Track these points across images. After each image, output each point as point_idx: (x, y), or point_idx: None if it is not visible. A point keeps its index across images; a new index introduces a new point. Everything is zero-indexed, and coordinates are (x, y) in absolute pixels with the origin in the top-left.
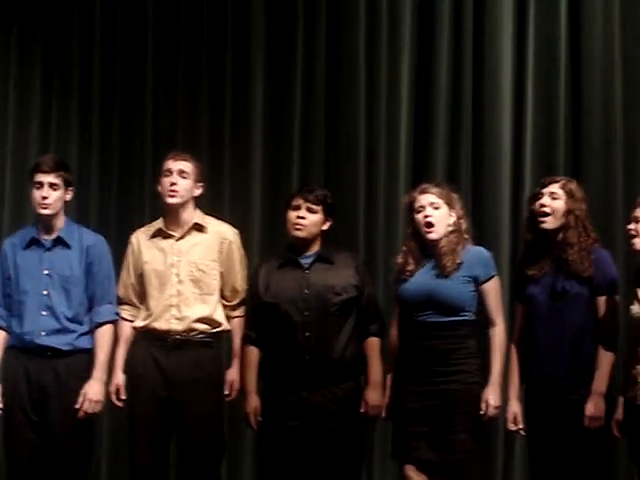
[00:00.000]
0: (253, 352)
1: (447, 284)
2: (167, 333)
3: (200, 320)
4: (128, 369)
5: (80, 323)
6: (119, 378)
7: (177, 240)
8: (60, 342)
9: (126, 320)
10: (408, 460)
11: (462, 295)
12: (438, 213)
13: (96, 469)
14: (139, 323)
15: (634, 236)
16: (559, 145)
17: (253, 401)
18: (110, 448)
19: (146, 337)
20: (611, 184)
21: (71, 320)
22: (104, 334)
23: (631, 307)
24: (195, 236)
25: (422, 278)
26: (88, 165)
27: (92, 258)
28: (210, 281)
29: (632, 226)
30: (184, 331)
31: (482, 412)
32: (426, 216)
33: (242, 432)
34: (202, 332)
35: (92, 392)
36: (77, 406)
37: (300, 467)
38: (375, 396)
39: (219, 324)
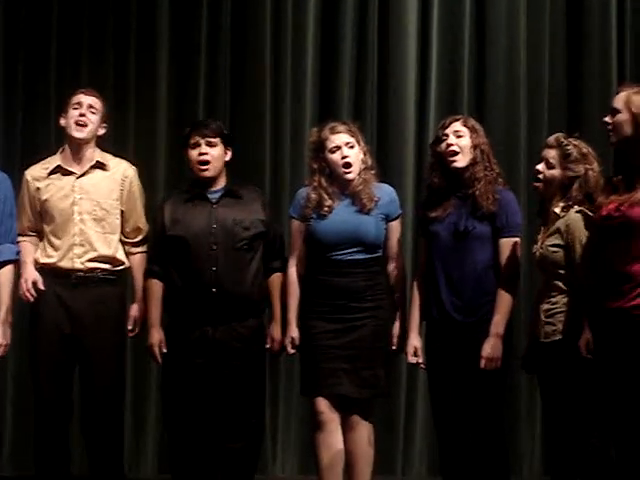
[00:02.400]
0: (157, 285)
1: (370, 221)
2: (70, 271)
3: (103, 259)
4: (30, 305)
5: None
6: (35, 273)
7: (78, 177)
8: None
9: (29, 243)
10: (324, 395)
11: (380, 232)
12: (353, 152)
13: (1, 411)
14: (41, 259)
15: (539, 180)
16: (463, 86)
17: (157, 334)
18: (15, 389)
19: (48, 274)
20: (514, 128)
21: None
22: (5, 274)
23: (533, 247)
24: (97, 174)
25: (343, 216)
26: None
27: None
28: (113, 220)
29: (540, 167)
30: (87, 270)
31: (394, 348)
32: (344, 156)
33: (147, 367)
34: (104, 270)
35: None
36: None
37: (204, 403)
38: (279, 332)
39: (121, 262)
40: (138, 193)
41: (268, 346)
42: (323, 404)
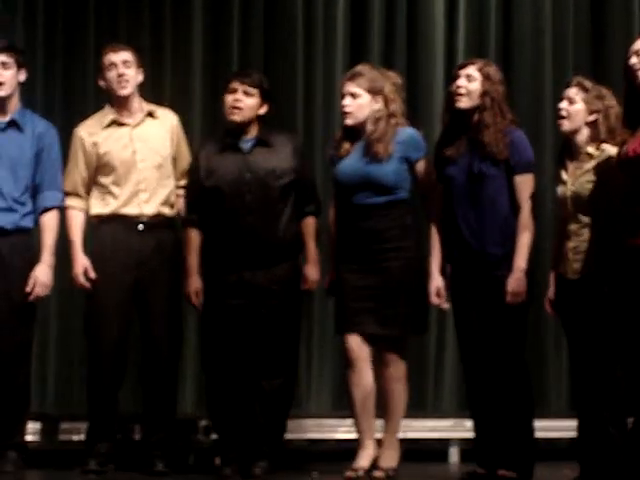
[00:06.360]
0: (195, 234)
1: (381, 167)
2: (138, 217)
3: (165, 203)
4: (95, 254)
5: (24, 205)
6: (84, 260)
7: (134, 128)
8: (4, 221)
9: (76, 209)
10: (353, 332)
11: (396, 176)
12: (356, 102)
13: (43, 356)
14: (102, 210)
15: (563, 117)
16: (490, 29)
17: (195, 282)
18: (59, 328)
19: (112, 223)
20: (540, 67)
21: (16, 201)
22: (51, 219)
23: (557, 188)
24: (150, 123)
25: (355, 162)
26: (32, 58)
27: (43, 145)
28: (168, 165)
29: (563, 105)
30: (153, 215)
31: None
32: (342, 105)
33: (185, 307)
34: (166, 215)
35: (42, 275)
36: (28, 289)
37: (242, 343)
38: (314, 272)
39: (174, 205)
40: (183, 138)
41: (305, 287)
42: (353, 342)
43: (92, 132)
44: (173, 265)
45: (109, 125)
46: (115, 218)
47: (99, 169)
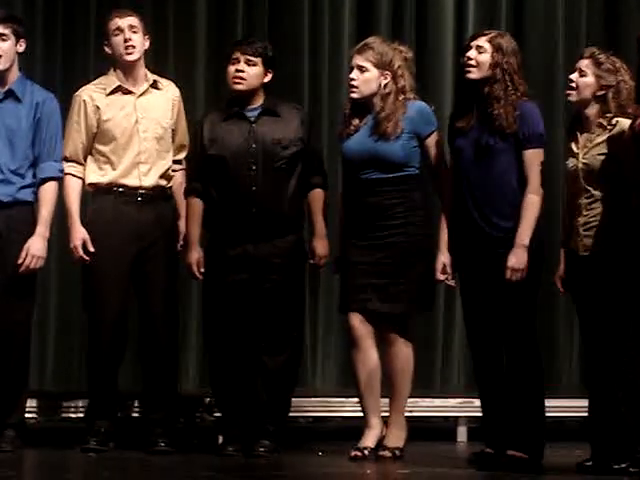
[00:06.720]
0: (197, 204)
1: (389, 144)
2: (137, 189)
3: (163, 176)
4: (93, 225)
5: (22, 176)
6: (83, 232)
7: (138, 97)
8: (1, 193)
9: (75, 177)
10: (356, 310)
11: (405, 153)
12: (363, 76)
13: (42, 333)
14: (102, 179)
15: (572, 88)
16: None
17: (196, 252)
18: (58, 305)
19: (112, 193)
20: (553, 38)
21: (13, 172)
22: (48, 190)
23: (567, 162)
24: (154, 93)
25: (363, 138)
26: (32, 24)
27: (41, 115)
28: (168, 138)
29: (574, 76)
30: (152, 187)
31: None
32: (350, 78)
33: (188, 283)
34: (164, 187)
35: (35, 247)
36: (19, 261)
37: (245, 318)
38: (322, 246)
39: (172, 178)
40: (182, 111)
41: (312, 261)
42: (356, 320)
43: (95, 97)
44: (172, 238)
45: (113, 91)
46: (113, 188)
47: (98, 136)
